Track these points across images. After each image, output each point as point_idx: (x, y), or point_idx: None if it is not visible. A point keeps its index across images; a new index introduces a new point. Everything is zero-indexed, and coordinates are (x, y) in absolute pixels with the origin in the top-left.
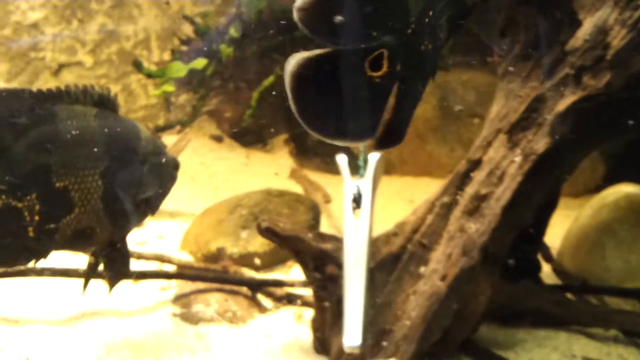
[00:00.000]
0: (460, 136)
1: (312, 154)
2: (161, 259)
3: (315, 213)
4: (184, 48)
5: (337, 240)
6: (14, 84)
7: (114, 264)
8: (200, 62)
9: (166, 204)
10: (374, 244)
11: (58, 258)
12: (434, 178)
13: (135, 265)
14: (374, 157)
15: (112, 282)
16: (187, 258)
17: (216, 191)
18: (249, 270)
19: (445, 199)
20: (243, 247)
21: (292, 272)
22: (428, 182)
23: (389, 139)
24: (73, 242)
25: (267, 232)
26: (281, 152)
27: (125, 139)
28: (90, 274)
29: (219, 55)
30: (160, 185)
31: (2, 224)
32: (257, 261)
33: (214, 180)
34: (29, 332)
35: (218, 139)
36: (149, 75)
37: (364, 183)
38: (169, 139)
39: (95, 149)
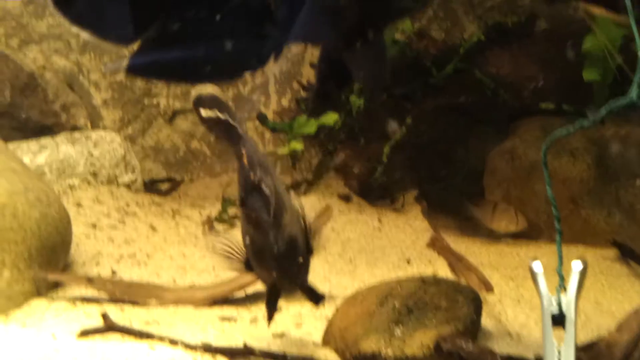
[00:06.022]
0: (619, 199)
1: (447, 213)
2: None
3: (476, 306)
4: (304, 94)
5: None
6: (127, 132)
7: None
8: (331, 117)
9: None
10: None
11: None
12: (589, 246)
13: None
14: (578, 265)
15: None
16: (333, 357)
17: (352, 264)
18: None
19: None
20: (398, 348)
21: None
22: (583, 250)
23: None
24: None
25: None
26: (413, 211)
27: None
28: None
29: (349, 107)
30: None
31: None
32: None
33: (347, 249)
34: None
35: (346, 199)
36: (274, 130)
37: (567, 298)
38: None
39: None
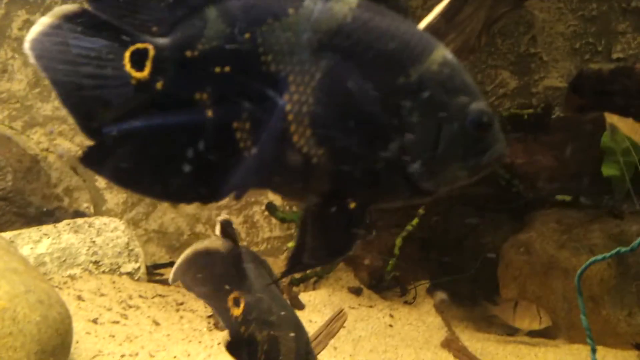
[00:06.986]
0: None
1: (460, 305)
2: None
3: None
4: None
5: None
6: (130, 215)
7: None
8: None
9: None
10: None
11: None
12: (609, 348)
13: None
14: None
15: None
16: None
17: None
18: None
19: None
20: None
21: None
22: (603, 353)
23: None
24: None
25: None
26: (425, 305)
27: None
28: None
29: None
30: None
31: None
32: None
33: (359, 349)
34: None
35: (356, 292)
36: (283, 220)
37: None
38: (306, 297)
39: None
